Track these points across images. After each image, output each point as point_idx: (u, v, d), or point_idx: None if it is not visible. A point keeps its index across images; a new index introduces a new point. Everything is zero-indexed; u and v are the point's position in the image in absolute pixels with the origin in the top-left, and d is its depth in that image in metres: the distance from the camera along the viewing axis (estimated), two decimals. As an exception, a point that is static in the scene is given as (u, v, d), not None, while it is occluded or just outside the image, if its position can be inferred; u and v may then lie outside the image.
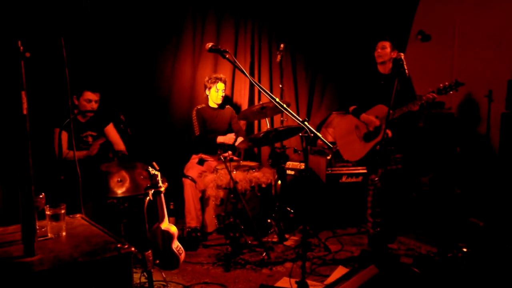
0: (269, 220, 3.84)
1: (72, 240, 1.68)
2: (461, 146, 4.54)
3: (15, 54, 1.49)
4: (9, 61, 1.49)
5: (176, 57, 4.34)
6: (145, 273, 2.55)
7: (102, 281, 1.52)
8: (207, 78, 4.10)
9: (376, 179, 3.36)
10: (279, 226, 3.82)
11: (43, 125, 3.35)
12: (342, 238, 3.95)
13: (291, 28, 4.88)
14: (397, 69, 2.89)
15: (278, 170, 3.89)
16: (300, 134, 3.51)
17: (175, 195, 3.82)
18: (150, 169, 2.65)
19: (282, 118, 4.38)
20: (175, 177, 3.90)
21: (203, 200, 3.96)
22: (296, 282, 2.57)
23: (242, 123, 4.50)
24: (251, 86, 4.74)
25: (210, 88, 4.08)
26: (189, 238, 3.67)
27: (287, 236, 3.87)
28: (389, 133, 3.38)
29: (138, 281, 2.74)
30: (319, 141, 3.39)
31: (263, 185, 3.88)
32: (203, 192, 3.93)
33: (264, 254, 3.36)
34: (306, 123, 2.37)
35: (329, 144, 2.45)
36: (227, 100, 4.39)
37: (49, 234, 1.72)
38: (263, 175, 3.88)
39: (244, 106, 4.66)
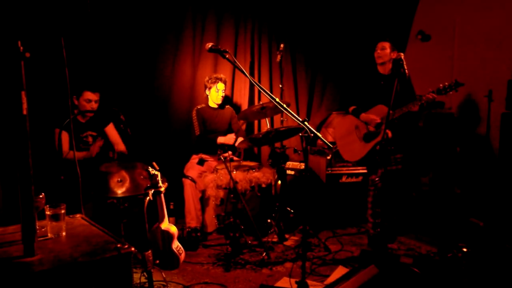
0: (269, 220, 3.84)
1: (72, 240, 1.68)
2: (461, 146, 4.54)
3: (15, 54, 1.50)
4: (9, 61, 1.49)
5: (176, 57, 4.34)
6: (145, 273, 2.55)
7: (102, 281, 1.52)
8: (207, 78, 4.10)
9: (377, 179, 3.36)
10: (279, 226, 3.82)
11: (43, 125, 3.34)
12: (342, 238, 3.95)
13: (291, 28, 4.88)
14: (397, 69, 2.89)
15: (278, 170, 3.89)
16: (300, 134, 3.51)
17: (175, 195, 3.82)
18: (150, 169, 2.65)
19: (282, 118, 4.38)
20: (175, 177, 3.90)
21: (203, 200, 3.96)
22: (296, 282, 2.58)
23: (240, 122, 4.50)
24: (251, 86, 4.74)
25: (210, 88, 4.08)
26: (189, 238, 3.67)
27: (287, 236, 3.87)
28: (389, 133, 3.38)
29: (138, 281, 2.74)
30: (319, 141, 3.39)
31: (263, 185, 3.88)
32: (203, 192, 3.93)
33: (264, 254, 3.36)
34: (306, 123, 2.37)
35: (329, 144, 2.45)
36: (227, 100, 4.39)
37: (49, 234, 1.72)
38: (263, 175, 3.88)
39: (244, 106, 4.66)
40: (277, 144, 3.86)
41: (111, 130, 3.63)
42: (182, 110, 4.40)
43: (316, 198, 4.13)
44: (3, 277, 1.38)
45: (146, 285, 2.56)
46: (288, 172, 4.22)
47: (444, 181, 4.45)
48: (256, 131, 4.78)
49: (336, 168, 4.27)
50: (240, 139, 4.06)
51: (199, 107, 4.16)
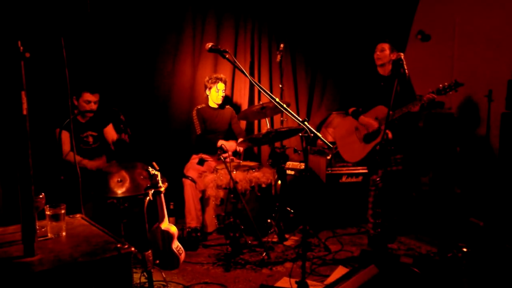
0: (269, 220, 3.84)
1: (72, 240, 1.68)
2: (461, 146, 4.54)
3: (15, 54, 1.49)
4: (9, 61, 1.49)
5: (176, 57, 4.34)
6: (145, 273, 2.55)
7: (102, 281, 1.52)
8: (207, 78, 4.10)
9: (378, 179, 3.37)
10: (279, 226, 3.82)
11: (43, 125, 3.34)
12: (342, 238, 3.95)
13: (291, 28, 4.88)
14: (397, 69, 2.89)
15: (278, 170, 3.89)
16: (300, 134, 3.50)
17: (175, 195, 3.82)
18: (150, 169, 2.65)
19: (282, 118, 4.38)
20: (175, 177, 3.90)
21: (203, 200, 3.96)
22: (296, 282, 2.58)
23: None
24: (251, 86, 4.74)
25: (210, 88, 4.08)
26: (189, 238, 3.67)
27: (287, 236, 3.87)
28: (389, 134, 3.38)
29: (138, 281, 2.74)
30: (319, 141, 3.39)
31: (263, 185, 3.88)
32: (203, 192, 3.93)
33: (264, 254, 3.36)
34: (306, 123, 2.37)
35: (329, 144, 2.45)
36: (227, 100, 4.39)
37: (49, 234, 1.72)
38: (263, 175, 3.88)
39: (244, 106, 4.66)
40: (277, 144, 3.86)
41: (110, 131, 3.62)
42: (182, 110, 4.40)
43: (316, 198, 4.13)
44: (3, 277, 1.38)
45: (146, 285, 2.56)
46: (288, 172, 4.22)
47: (444, 181, 4.45)
48: (256, 131, 4.78)
49: (336, 168, 4.27)
50: (240, 139, 4.06)
51: (199, 107, 4.16)
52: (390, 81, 3.44)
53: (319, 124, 5.01)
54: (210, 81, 4.06)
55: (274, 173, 3.90)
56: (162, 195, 2.72)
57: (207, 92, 4.12)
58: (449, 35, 4.86)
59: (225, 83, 4.10)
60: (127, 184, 2.85)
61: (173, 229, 2.81)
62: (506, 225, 3.47)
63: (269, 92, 2.58)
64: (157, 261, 2.79)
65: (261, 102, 3.70)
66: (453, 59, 4.84)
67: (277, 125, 4.77)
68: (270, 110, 3.66)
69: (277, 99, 2.45)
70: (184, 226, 3.79)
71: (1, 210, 2.64)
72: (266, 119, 4.00)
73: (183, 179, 3.88)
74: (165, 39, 4.26)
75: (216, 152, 3.77)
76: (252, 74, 4.71)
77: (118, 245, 1.57)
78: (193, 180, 3.86)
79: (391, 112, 2.94)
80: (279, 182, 3.96)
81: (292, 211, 3.93)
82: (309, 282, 2.63)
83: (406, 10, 5.20)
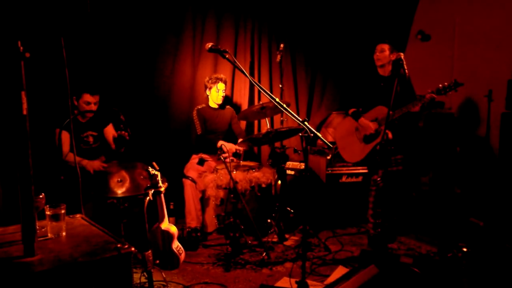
0: (269, 220, 3.84)
1: (72, 240, 1.68)
2: (461, 146, 4.54)
3: (15, 54, 1.49)
4: (9, 61, 1.49)
5: (176, 57, 4.34)
6: (145, 273, 2.55)
7: (102, 281, 1.52)
8: (207, 78, 4.10)
9: (379, 179, 3.37)
10: (279, 226, 3.82)
11: (43, 125, 3.34)
12: (342, 238, 3.95)
13: (291, 28, 4.88)
14: (397, 69, 2.89)
15: (278, 170, 3.89)
16: (300, 134, 3.51)
17: (175, 195, 3.82)
18: (150, 169, 2.65)
19: (282, 118, 4.38)
20: (175, 177, 3.90)
21: (203, 200, 3.96)
22: (296, 282, 2.58)
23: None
24: (251, 86, 4.74)
25: (210, 88, 4.07)
26: (189, 238, 3.67)
27: (287, 236, 3.87)
28: (389, 134, 3.38)
29: (138, 281, 2.74)
30: (319, 141, 3.39)
31: (263, 185, 3.88)
32: (203, 192, 3.93)
33: (264, 254, 3.36)
34: (306, 123, 2.37)
35: (329, 144, 2.45)
36: (227, 100, 4.39)
37: (49, 234, 1.72)
38: (263, 175, 3.88)
39: (244, 106, 4.66)
40: (277, 144, 3.86)
41: (110, 131, 3.62)
42: (182, 110, 4.40)
43: (316, 198, 4.13)
44: (3, 277, 1.38)
45: (146, 285, 2.56)
46: (288, 172, 4.22)
47: (444, 181, 4.44)
48: (256, 131, 4.78)
49: (336, 168, 4.27)
50: (240, 139, 4.06)
51: (199, 107, 4.16)
52: (390, 81, 3.44)
53: (319, 124, 5.01)
54: (210, 81, 4.06)
55: (274, 173, 3.90)
56: (162, 195, 2.72)
57: (208, 92, 4.12)
58: (449, 35, 4.86)
59: (225, 83, 4.10)
60: (127, 184, 2.85)
61: (173, 229, 2.81)
62: (506, 225, 3.47)
63: (269, 92, 2.58)
64: (157, 261, 2.79)
65: (261, 102, 3.70)
66: (453, 59, 4.84)
67: (277, 125, 4.77)
68: (270, 110, 3.66)
69: (277, 99, 2.45)
70: (184, 226, 3.79)
71: (1, 210, 2.64)
72: (266, 119, 4.00)
73: (183, 179, 3.88)
74: (165, 39, 4.25)
75: (216, 152, 3.77)
76: (252, 74, 4.71)
77: (118, 245, 1.57)
78: (193, 180, 3.86)
79: (391, 112, 2.94)
80: (279, 182, 3.96)
81: (292, 211, 3.93)
82: (309, 282, 2.63)
83: (406, 10, 5.20)
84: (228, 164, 3.48)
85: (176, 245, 2.82)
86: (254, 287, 2.97)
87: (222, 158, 3.53)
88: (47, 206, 1.75)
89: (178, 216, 3.92)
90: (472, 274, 2.84)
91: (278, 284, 3.01)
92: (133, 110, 3.87)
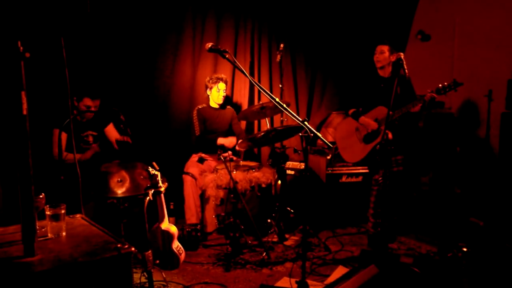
0: (269, 220, 3.84)
1: (72, 240, 1.68)
2: (461, 146, 4.54)
3: (15, 54, 1.49)
4: (9, 61, 1.49)
5: (176, 57, 4.33)
6: (145, 273, 2.55)
7: (102, 281, 1.52)
8: (208, 78, 4.10)
9: (380, 179, 3.37)
10: (279, 226, 3.82)
11: (43, 125, 3.34)
12: (342, 238, 3.95)
13: (291, 28, 4.88)
14: (397, 69, 2.89)
15: (278, 170, 3.89)
16: (300, 134, 3.51)
17: (175, 195, 3.82)
18: (150, 169, 2.65)
19: (282, 118, 4.38)
20: (175, 177, 3.90)
21: (203, 199, 3.96)
22: (296, 282, 2.58)
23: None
24: (251, 86, 4.74)
25: (211, 88, 4.08)
26: (189, 238, 3.67)
27: (287, 236, 3.87)
28: (389, 134, 3.38)
29: (138, 281, 2.74)
30: (319, 141, 3.39)
31: (263, 185, 3.88)
32: (203, 191, 3.93)
33: (264, 254, 3.36)
34: (306, 123, 2.37)
35: (329, 144, 2.45)
36: (227, 100, 4.39)
37: (49, 234, 1.72)
38: (263, 175, 3.88)
39: (244, 106, 4.66)
40: (277, 144, 3.86)
41: (111, 131, 3.63)
42: (182, 110, 4.40)
43: (316, 198, 4.13)
44: (3, 277, 1.38)
45: (146, 285, 2.57)
46: (288, 172, 4.22)
47: (444, 181, 4.45)
48: (256, 131, 4.78)
49: (336, 168, 4.27)
50: (240, 140, 4.06)
51: (200, 107, 4.16)
52: (390, 82, 3.43)
53: (319, 124, 5.01)
54: (211, 81, 4.06)
55: (274, 173, 3.90)
56: (162, 195, 2.72)
57: (208, 92, 4.12)
58: (449, 35, 4.86)
59: (226, 83, 4.10)
60: (127, 184, 2.85)
61: (173, 229, 2.81)
62: (506, 225, 3.47)
63: (269, 92, 2.58)
64: (157, 261, 2.79)
65: (261, 102, 3.70)
66: (453, 59, 4.84)
67: (277, 125, 4.76)
68: (270, 110, 3.66)
69: (277, 99, 2.45)
70: (184, 225, 3.79)
71: (1, 210, 2.64)
72: (266, 119, 4.00)
73: (183, 175, 3.88)
74: (165, 39, 4.26)
75: (216, 151, 3.76)
76: (252, 74, 4.71)
77: (118, 245, 1.57)
78: (193, 176, 3.85)
79: (391, 113, 2.94)
80: (279, 182, 3.96)
81: (292, 211, 3.93)
82: (309, 282, 2.63)
83: (406, 10, 5.20)
84: (228, 164, 3.48)
85: (176, 245, 2.82)
86: (254, 287, 2.97)
87: (222, 158, 3.53)
88: (47, 206, 1.75)
89: (178, 216, 3.92)
90: (472, 274, 2.84)
91: (278, 284, 3.01)
92: (133, 110, 3.87)
